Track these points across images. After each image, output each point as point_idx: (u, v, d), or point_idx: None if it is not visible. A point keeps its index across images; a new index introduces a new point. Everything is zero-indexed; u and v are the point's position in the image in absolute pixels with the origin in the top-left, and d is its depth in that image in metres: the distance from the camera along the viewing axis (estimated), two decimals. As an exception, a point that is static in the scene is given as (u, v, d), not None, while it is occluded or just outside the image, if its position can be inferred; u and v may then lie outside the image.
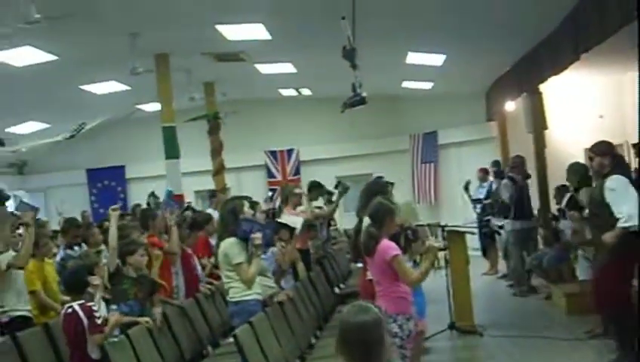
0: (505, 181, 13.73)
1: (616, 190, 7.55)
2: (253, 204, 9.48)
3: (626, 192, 7.52)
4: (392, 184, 14.75)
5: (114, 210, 8.40)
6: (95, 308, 6.38)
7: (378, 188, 8.08)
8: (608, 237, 7.57)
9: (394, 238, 6.91)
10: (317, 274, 11.14)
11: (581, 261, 9.94)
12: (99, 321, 6.33)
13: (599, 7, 9.67)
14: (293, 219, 10.53)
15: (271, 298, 8.33)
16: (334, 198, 12.76)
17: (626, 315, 7.67)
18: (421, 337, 7.44)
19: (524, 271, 13.52)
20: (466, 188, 16.47)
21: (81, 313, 6.35)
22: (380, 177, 15.33)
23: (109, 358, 6.16)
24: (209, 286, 9.98)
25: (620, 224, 7.45)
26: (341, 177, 12.94)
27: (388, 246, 6.38)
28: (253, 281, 7.65)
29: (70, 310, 6.40)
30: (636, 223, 7.34)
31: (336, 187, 12.59)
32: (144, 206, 16.61)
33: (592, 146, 7.95)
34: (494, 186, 15.42)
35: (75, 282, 6.69)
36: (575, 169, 10.76)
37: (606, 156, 7.78)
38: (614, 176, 7.65)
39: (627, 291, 7.78)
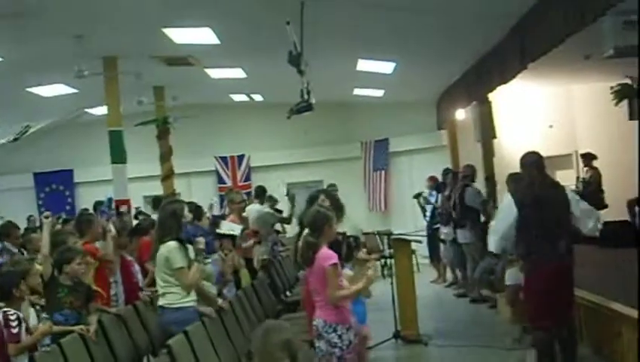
0: (470, 188, 13.64)
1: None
2: (199, 209, 9.33)
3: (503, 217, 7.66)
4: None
5: (46, 217, 8.18)
6: (12, 316, 6.20)
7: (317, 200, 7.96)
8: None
9: (336, 246, 6.84)
10: (261, 282, 11.01)
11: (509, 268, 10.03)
12: (14, 331, 6.15)
13: (544, 17, 9.72)
14: (231, 226, 10.40)
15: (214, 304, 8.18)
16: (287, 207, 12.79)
17: (538, 330, 7.77)
18: (365, 343, 7.33)
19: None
20: (417, 197, 16.44)
21: (1, 321, 6.22)
22: (332, 185, 15.39)
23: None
24: (149, 293, 9.78)
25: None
26: (292, 184, 12.88)
27: (327, 255, 6.25)
28: (193, 287, 7.55)
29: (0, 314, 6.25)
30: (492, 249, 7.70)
31: (286, 195, 12.60)
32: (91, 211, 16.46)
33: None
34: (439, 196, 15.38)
35: (2, 285, 6.53)
36: (514, 179, 10.80)
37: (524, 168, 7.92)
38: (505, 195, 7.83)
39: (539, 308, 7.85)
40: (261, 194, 14.65)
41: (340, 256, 6.98)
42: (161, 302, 7.68)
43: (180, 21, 12.46)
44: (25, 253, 10.08)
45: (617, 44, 9.27)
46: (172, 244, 7.56)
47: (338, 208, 7.69)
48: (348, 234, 8.10)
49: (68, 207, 22.31)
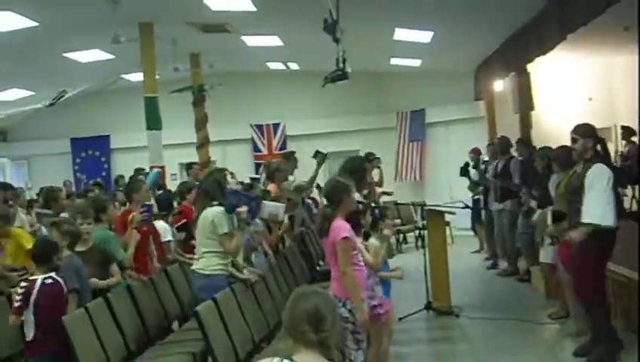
0: (514, 160, 13.38)
1: (596, 182, 7.39)
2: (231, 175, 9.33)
3: (604, 189, 7.35)
4: (378, 159, 14.60)
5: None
6: (20, 291, 6.21)
7: (354, 166, 7.87)
8: (575, 235, 7.44)
9: (356, 215, 6.77)
10: (292, 251, 10.99)
11: (546, 245, 9.81)
12: (17, 304, 6.15)
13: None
14: (275, 208, 10.34)
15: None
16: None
17: (599, 307, 7.60)
18: (388, 317, 7.25)
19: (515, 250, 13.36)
20: (466, 170, 15.99)
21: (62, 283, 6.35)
22: (371, 153, 15.18)
23: (68, 334, 5.97)
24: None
25: (586, 220, 7.33)
26: (328, 154, 12.74)
27: (339, 228, 6.11)
28: (236, 253, 7.64)
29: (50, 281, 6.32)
30: (603, 223, 7.23)
31: (314, 156, 12.38)
32: (127, 178, 16.56)
33: (575, 128, 7.72)
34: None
35: (40, 253, 6.53)
36: (542, 154, 10.61)
37: (589, 138, 7.61)
38: (599, 165, 7.47)
39: (600, 283, 7.68)
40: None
41: (359, 226, 6.93)
42: (194, 266, 7.74)
43: (216, -14, 12.41)
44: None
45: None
46: (218, 209, 7.60)
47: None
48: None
49: (104, 173, 22.49)
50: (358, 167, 7.86)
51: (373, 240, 7.14)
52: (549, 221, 8.30)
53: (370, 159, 12.39)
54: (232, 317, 6.79)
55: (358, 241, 6.76)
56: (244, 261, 8.47)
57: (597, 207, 7.29)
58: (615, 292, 8.99)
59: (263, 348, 7.33)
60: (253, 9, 13.42)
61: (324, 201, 6.49)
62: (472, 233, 16.97)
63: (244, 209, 7.56)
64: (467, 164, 15.43)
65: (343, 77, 10.38)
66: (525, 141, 14.00)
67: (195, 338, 7.45)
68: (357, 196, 6.83)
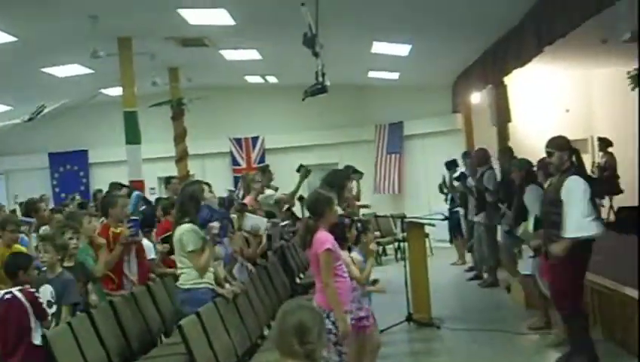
0: (489, 172, 13.47)
1: (571, 195, 7.46)
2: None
3: (580, 200, 7.42)
4: (360, 173, 14.63)
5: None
6: (37, 294, 6.20)
7: (336, 179, 7.91)
8: (557, 250, 7.49)
9: (342, 229, 6.82)
10: (273, 264, 11.01)
11: (526, 255, 9.89)
12: (44, 305, 6.19)
13: (561, 2, 9.62)
14: (256, 223, 10.38)
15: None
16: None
17: (577, 319, 7.66)
18: (373, 330, 7.28)
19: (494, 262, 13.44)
20: (442, 187, 16.27)
21: (23, 299, 6.17)
22: (349, 167, 15.23)
23: (50, 348, 5.96)
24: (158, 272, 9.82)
25: (567, 235, 7.40)
26: (311, 171, 12.77)
27: (322, 240, 6.17)
28: (205, 270, 7.58)
29: (9, 296, 6.18)
30: (583, 234, 7.30)
31: (298, 170, 12.42)
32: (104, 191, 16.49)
33: (549, 142, 7.81)
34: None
35: (12, 264, 6.57)
36: (519, 165, 10.70)
37: (565, 151, 7.69)
38: (574, 178, 7.55)
39: (578, 295, 7.74)
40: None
41: (345, 239, 6.97)
42: (178, 282, 7.74)
43: (195, 2, 12.41)
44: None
45: (634, 28, 9.18)
46: (186, 227, 7.59)
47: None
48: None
49: (82, 188, 22.41)
50: (340, 181, 7.90)
51: (355, 254, 7.17)
52: (530, 227, 8.36)
53: (353, 171, 12.40)
54: (216, 332, 6.80)
55: (345, 254, 6.81)
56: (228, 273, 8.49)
57: (575, 221, 7.36)
58: (595, 302, 9.08)
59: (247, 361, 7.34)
60: (232, 23, 13.46)
61: (307, 213, 6.53)
62: (449, 245, 17.04)
63: (215, 224, 7.56)
64: (443, 183, 15.86)
65: (322, 90, 10.40)
66: (507, 150, 14.06)
67: (178, 353, 7.45)
68: (339, 210, 6.85)
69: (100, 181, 20.75)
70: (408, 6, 12.21)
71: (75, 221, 8.20)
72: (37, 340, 6.17)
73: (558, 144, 7.72)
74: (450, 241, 16.79)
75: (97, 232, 8.64)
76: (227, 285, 8.12)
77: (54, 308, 6.69)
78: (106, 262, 8.19)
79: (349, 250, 7.19)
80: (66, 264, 7.31)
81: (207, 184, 9.01)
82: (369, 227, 7.78)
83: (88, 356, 6.49)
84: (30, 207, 11.49)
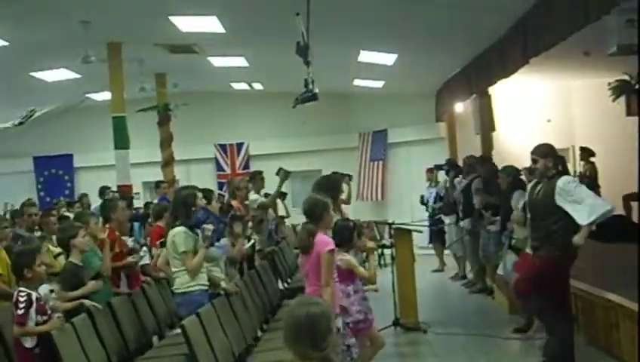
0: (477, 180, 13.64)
1: (571, 188, 7.61)
2: (209, 193, 9.40)
3: (582, 189, 7.63)
4: (350, 176, 14.78)
5: None
6: (22, 298, 6.24)
7: (329, 184, 8.04)
8: (579, 240, 7.55)
9: (349, 232, 7.00)
10: (264, 268, 11.16)
11: (507, 257, 10.05)
12: (20, 312, 6.20)
13: (548, 13, 9.81)
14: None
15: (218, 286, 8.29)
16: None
17: (535, 299, 7.86)
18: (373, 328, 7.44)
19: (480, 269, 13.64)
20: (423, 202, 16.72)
21: (14, 298, 6.35)
22: (336, 173, 15.36)
23: (55, 345, 6.10)
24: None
25: (586, 221, 7.47)
26: (290, 173, 12.88)
27: (324, 241, 6.36)
28: (197, 271, 7.69)
29: (15, 293, 6.39)
30: (601, 211, 7.41)
31: (277, 173, 12.50)
32: (89, 195, 16.62)
33: (534, 150, 7.96)
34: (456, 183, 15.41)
35: (17, 265, 6.65)
36: (507, 172, 10.88)
37: (549, 158, 7.86)
38: (565, 178, 7.73)
39: (567, 302, 7.95)
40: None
41: (351, 241, 7.16)
42: (173, 286, 7.91)
43: (187, 9, 12.55)
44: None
45: (621, 41, 9.37)
46: (178, 229, 7.74)
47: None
48: None
49: (67, 192, 22.42)
50: (335, 185, 8.04)
51: (349, 257, 7.31)
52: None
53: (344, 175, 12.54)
54: (214, 331, 6.94)
55: (350, 257, 7.00)
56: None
57: (588, 204, 7.43)
58: (578, 308, 9.28)
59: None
60: (223, 31, 13.61)
61: (304, 218, 6.67)
62: (429, 251, 17.21)
63: (210, 226, 7.69)
64: (422, 197, 16.61)
65: (312, 98, 10.56)
66: (486, 158, 14.29)
67: (174, 354, 7.63)
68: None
69: (85, 185, 20.82)
70: (396, 16, 12.36)
71: (83, 221, 8.32)
72: (27, 343, 6.28)
73: (543, 152, 7.88)
74: (430, 242, 16.97)
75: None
76: (222, 283, 8.25)
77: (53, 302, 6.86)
78: (106, 267, 8.33)
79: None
80: (74, 260, 7.46)
81: (208, 189, 9.17)
82: (363, 231, 7.94)
83: (90, 355, 6.62)
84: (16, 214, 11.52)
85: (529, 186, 8.52)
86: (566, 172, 8.12)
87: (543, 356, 7.91)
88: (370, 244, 7.65)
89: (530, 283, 7.80)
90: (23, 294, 6.29)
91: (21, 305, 6.22)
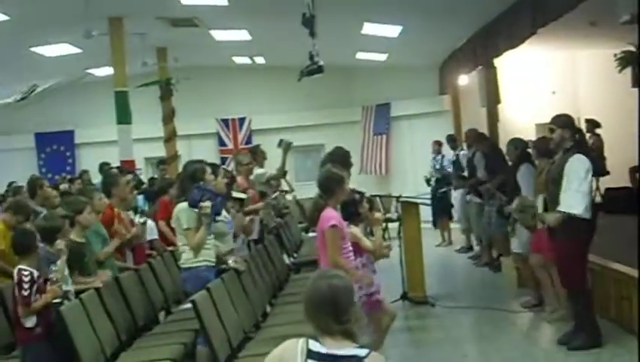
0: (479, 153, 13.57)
1: (573, 172, 7.52)
2: (216, 168, 9.28)
3: (579, 180, 7.49)
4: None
5: None
6: (26, 278, 6.11)
7: (344, 157, 7.87)
8: (550, 219, 7.65)
9: (354, 204, 6.89)
10: (271, 243, 11.07)
11: (520, 233, 9.96)
12: (25, 293, 6.08)
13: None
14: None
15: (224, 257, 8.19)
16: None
17: (583, 295, 7.80)
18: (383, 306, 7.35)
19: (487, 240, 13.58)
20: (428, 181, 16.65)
21: (16, 278, 6.19)
22: (340, 148, 15.27)
23: (65, 322, 6.02)
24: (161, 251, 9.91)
25: (561, 208, 7.50)
26: (293, 147, 12.75)
27: (328, 216, 6.24)
28: (199, 248, 7.60)
29: (16, 272, 6.25)
30: (573, 212, 7.41)
31: (279, 145, 12.39)
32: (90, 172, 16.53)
33: (553, 119, 7.84)
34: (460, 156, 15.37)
35: (20, 243, 6.50)
36: (515, 144, 10.81)
37: (566, 129, 7.74)
38: (578, 156, 7.60)
39: (584, 272, 7.87)
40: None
41: (357, 214, 7.05)
42: (179, 261, 7.84)
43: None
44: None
45: (634, 10, 9.22)
46: (183, 205, 7.69)
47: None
48: None
49: (68, 168, 22.31)
50: (349, 158, 7.91)
51: (356, 229, 7.19)
52: (540, 209, 8.41)
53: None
54: (224, 306, 6.87)
55: (357, 230, 6.90)
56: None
57: (570, 196, 7.45)
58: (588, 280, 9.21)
59: (252, 337, 7.41)
60: (225, 3, 13.45)
61: (307, 192, 6.59)
62: (431, 226, 17.11)
63: (207, 204, 7.57)
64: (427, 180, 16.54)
65: (318, 70, 10.50)
66: (484, 136, 14.17)
67: (182, 329, 7.57)
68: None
69: (87, 161, 20.74)
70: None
71: (87, 197, 8.20)
72: (28, 323, 6.17)
73: (561, 121, 7.78)
74: (434, 224, 16.87)
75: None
76: (230, 261, 8.16)
77: (70, 285, 6.76)
78: (106, 253, 8.19)
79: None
80: (75, 238, 7.36)
81: (214, 164, 9.06)
82: (374, 205, 7.84)
83: (99, 332, 6.55)
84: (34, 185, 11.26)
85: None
86: (583, 145, 8.02)
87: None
88: (378, 215, 7.52)
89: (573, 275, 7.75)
90: (26, 273, 6.16)
91: (26, 286, 6.11)
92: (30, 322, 6.16)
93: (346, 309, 3.43)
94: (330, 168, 6.61)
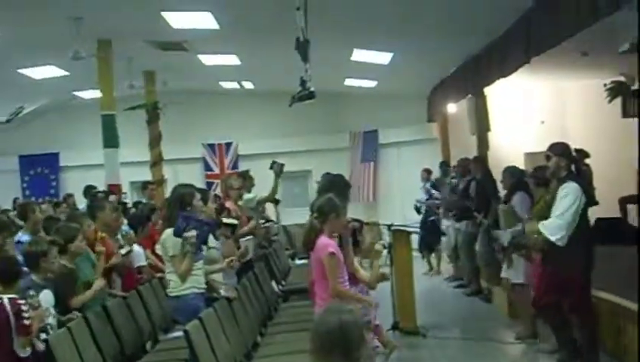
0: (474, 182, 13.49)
1: (562, 199, 7.51)
2: (205, 193, 9.13)
3: (566, 208, 7.48)
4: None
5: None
6: (25, 307, 5.84)
7: (341, 189, 7.71)
8: (530, 229, 7.93)
9: (353, 233, 6.79)
10: (261, 271, 10.92)
11: (517, 263, 9.88)
12: (27, 322, 5.80)
13: (554, 11, 9.57)
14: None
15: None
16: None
17: (555, 319, 7.94)
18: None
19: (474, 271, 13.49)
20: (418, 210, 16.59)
21: (8, 307, 5.83)
22: (341, 177, 15.16)
23: (52, 351, 5.83)
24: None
25: (541, 230, 7.60)
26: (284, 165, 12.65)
27: (325, 244, 6.14)
28: (185, 277, 7.43)
29: (7, 303, 5.86)
30: (552, 239, 7.45)
31: (271, 168, 12.31)
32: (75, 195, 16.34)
33: (550, 146, 7.90)
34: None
35: (5, 271, 6.17)
36: (511, 172, 10.76)
37: (562, 157, 7.74)
38: (571, 184, 7.61)
39: (552, 299, 7.85)
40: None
41: (356, 243, 6.94)
42: (167, 289, 7.75)
43: (180, 4, 12.29)
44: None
45: (634, 39, 9.18)
46: (169, 231, 7.55)
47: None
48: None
49: (52, 191, 22.11)
50: (347, 191, 7.76)
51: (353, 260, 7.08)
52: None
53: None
54: (216, 336, 6.72)
55: (354, 260, 6.78)
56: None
57: (550, 223, 7.55)
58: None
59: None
60: (217, 27, 13.33)
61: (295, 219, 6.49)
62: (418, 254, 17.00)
63: (191, 234, 7.39)
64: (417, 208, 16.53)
65: (309, 96, 10.40)
66: (480, 160, 14.14)
67: (171, 359, 7.40)
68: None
69: (71, 185, 20.51)
70: (393, 13, 12.18)
71: (78, 223, 8.03)
72: (23, 353, 5.85)
73: (558, 149, 7.81)
74: (421, 251, 16.72)
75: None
76: (222, 291, 8.02)
77: (51, 318, 6.50)
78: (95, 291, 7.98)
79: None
80: (66, 263, 7.19)
81: (203, 189, 8.93)
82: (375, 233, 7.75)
83: (86, 360, 6.38)
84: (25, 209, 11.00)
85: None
86: (578, 175, 8.00)
87: None
88: (377, 246, 7.37)
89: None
90: (22, 303, 5.86)
91: (26, 314, 5.81)
92: (26, 352, 5.88)
93: (357, 346, 3.30)
94: (332, 196, 6.46)
